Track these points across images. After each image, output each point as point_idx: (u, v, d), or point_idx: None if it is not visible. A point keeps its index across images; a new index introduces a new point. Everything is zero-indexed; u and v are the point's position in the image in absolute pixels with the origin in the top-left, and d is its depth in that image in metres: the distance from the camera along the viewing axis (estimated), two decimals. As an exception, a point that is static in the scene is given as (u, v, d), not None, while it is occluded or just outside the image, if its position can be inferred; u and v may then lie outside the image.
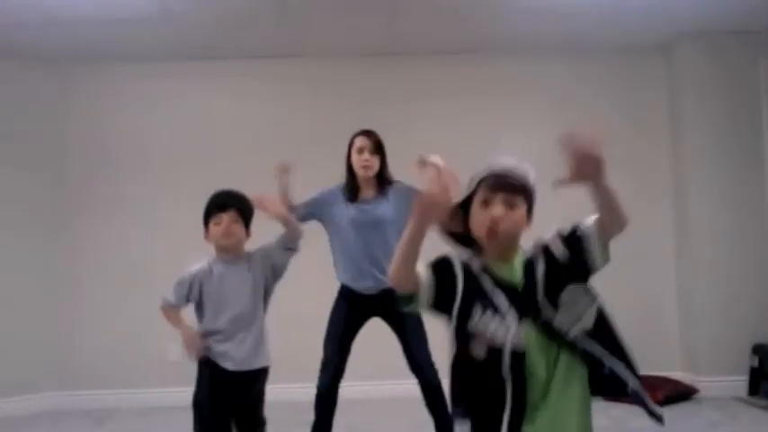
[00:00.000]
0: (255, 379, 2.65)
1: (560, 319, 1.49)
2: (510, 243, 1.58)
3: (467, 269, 1.58)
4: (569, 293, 1.51)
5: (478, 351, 1.51)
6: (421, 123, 4.86)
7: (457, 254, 1.62)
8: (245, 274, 2.64)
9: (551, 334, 1.49)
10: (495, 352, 1.48)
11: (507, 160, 1.63)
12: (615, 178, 5.11)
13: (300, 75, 4.89)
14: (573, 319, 1.50)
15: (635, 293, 4.81)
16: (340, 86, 4.89)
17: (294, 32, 4.49)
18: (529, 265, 1.56)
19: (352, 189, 3.14)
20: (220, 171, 4.83)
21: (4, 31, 4.21)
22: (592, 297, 1.54)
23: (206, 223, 2.64)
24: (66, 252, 4.78)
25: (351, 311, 3.11)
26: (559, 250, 1.55)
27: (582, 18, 4.36)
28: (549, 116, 4.91)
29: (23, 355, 4.58)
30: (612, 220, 1.50)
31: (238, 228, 2.60)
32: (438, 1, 4.05)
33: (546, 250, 1.56)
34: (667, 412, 4.40)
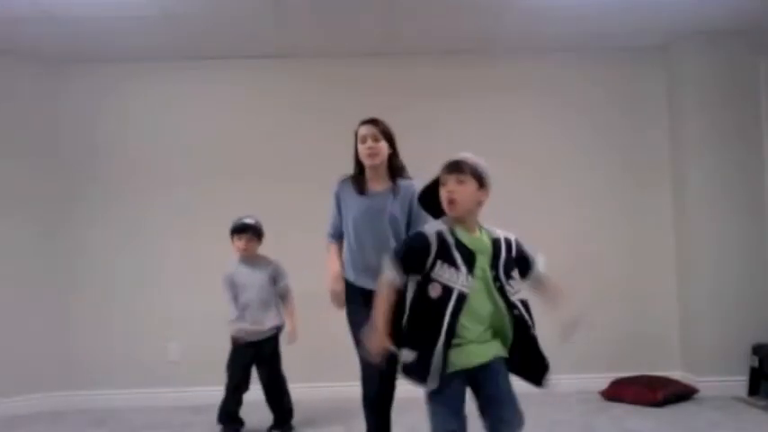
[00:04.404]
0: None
1: (508, 286, 2.25)
2: (466, 211, 2.27)
3: (440, 237, 2.23)
4: (514, 280, 2.28)
5: (434, 293, 2.18)
6: (421, 123, 4.86)
7: (434, 226, 2.28)
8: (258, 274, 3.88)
9: (502, 291, 2.23)
10: (446, 293, 2.17)
11: (459, 155, 2.30)
12: (616, 178, 5.10)
13: (300, 74, 4.88)
14: (513, 290, 2.26)
15: (635, 293, 4.82)
16: (340, 86, 4.88)
17: (293, 32, 4.49)
18: (496, 243, 2.29)
19: (360, 181, 3.05)
20: (219, 169, 4.85)
21: (1, 28, 4.21)
22: (520, 286, 2.32)
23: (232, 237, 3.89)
24: (66, 252, 4.77)
25: (367, 309, 2.97)
26: (513, 253, 2.31)
27: (582, 17, 4.36)
28: (550, 115, 4.92)
29: (24, 355, 4.57)
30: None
31: (252, 245, 3.88)
32: (438, 1, 4.05)
33: (507, 242, 2.31)
34: (667, 412, 4.42)
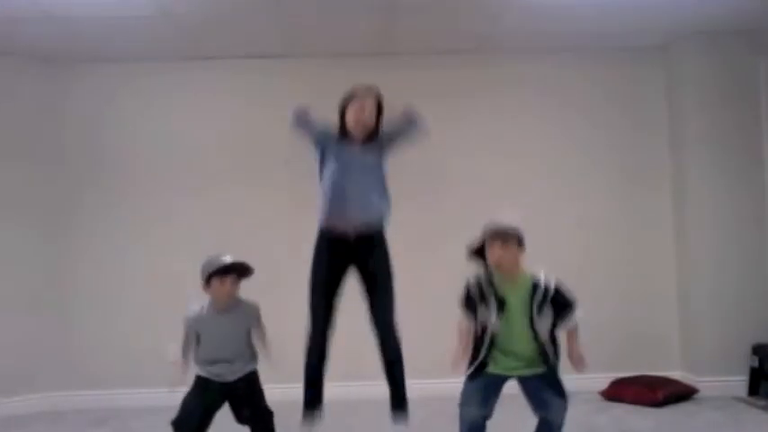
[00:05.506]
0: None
1: (537, 323, 2.68)
2: (511, 267, 2.72)
3: (478, 286, 2.75)
4: (545, 315, 2.69)
5: (477, 328, 2.75)
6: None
7: (474, 278, 2.77)
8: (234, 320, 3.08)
9: (532, 327, 2.67)
10: (483, 330, 2.72)
11: (501, 220, 2.71)
12: (615, 178, 5.08)
13: (300, 74, 4.87)
14: (543, 326, 2.69)
15: (635, 293, 4.82)
16: (340, 86, 4.85)
17: (293, 32, 4.49)
18: (535, 287, 2.70)
19: (345, 137, 3.09)
20: (218, 169, 4.85)
21: (1, 28, 4.21)
22: (552, 323, 2.73)
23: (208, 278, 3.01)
24: (66, 251, 4.77)
25: (331, 258, 3.02)
26: (549, 297, 2.69)
27: (582, 17, 4.36)
28: (550, 115, 4.92)
29: (23, 355, 4.58)
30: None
31: (237, 288, 3.05)
32: (437, 1, 4.05)
33: (546, 287, 2.69)
34: (667, 412, 4.41)
